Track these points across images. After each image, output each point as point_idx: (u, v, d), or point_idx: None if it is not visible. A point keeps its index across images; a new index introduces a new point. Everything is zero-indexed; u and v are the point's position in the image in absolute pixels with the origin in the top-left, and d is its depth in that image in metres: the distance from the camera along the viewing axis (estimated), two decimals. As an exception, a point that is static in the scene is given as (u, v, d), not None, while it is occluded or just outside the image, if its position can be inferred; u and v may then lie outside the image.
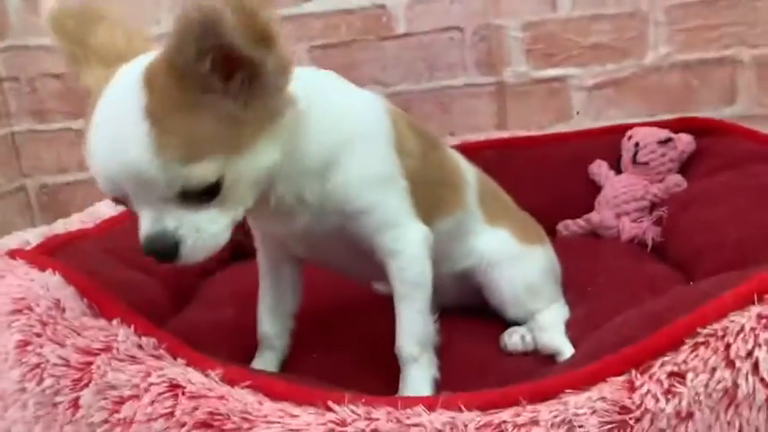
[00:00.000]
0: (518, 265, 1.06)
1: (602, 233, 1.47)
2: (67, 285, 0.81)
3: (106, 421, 0.71)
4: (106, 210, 1.41)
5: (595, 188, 1.56)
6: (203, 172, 0.70)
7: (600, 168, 1.55)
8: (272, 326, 1.02)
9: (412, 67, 1.79)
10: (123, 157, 0.68)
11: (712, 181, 1.31)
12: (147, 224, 0.73)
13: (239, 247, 1.60)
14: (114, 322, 0.78)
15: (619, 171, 1.53)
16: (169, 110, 0.68)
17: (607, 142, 1.59)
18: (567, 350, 0.98)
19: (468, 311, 1.12)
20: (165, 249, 0.74)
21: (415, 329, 0.90)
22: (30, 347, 0.75)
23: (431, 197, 0.96)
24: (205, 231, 0.74)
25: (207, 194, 0.72)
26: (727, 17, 1.70)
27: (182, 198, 0.71)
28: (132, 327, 0.77)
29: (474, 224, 1.07)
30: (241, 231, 1.58)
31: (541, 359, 1.01)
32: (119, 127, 0.69)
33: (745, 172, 1.26)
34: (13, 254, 0.90)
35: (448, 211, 1.01)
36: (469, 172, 1.10)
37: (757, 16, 1.68)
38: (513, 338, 1.05)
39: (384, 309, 1.15)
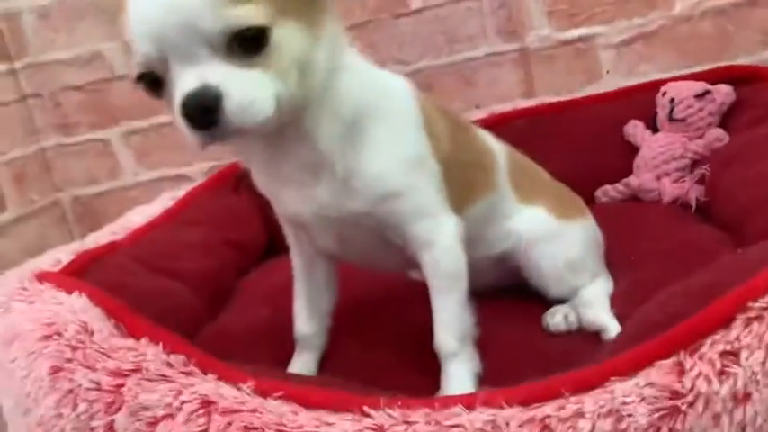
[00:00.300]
0: (557, 241, 1.02)
1: (642, 197, 1.41)
2: (94, 307, 0.80)
3: (142, 442, 0.70)
4: (137, 218, 1.42)
5: (632, 150, 1.49)
6: (252, 12, 0.67)
7: (635, 129, 1.48)
8: (309, 325, 1.00)
9: (430, 42, 1.74)
10: (170, 1, 0.65)
11: (756, 133, 1.23)
12: (187, 82, 0.68)
13: (274, 240, 1.62)
14: (143, 341, 0.76)
15: (655, 130, 1.46)
16: None
17: (641, 100, 1.52)
18: (612, 327, 0.94)
19: (508, 293, 1.08)
20: (208, 103, 0.67)
21: (453, 324, 0.87)
22: (62, 373, 0.75)
23: (462, 181, 0.93)
24: (252, 90, 0.69)
25: (253, 45, 0.69)
26: (759, -45, 1.59)
27: (228, 50, 0.68)
28: (161, 344, 0.76)
29: (508, 205, 1.03)
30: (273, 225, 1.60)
31: (586, 338, 0.97)
32: None
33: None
34: (40, 277, 0.90)
35: (480, 194, 0.98)
36: (499, 150, 1.05)
37: (793, -50, 1.58)
38: (556, 318, 1.02)
39: (422, 299, 1.14)
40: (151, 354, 0.74)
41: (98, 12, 1.78)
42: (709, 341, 0.62)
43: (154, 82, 0.71)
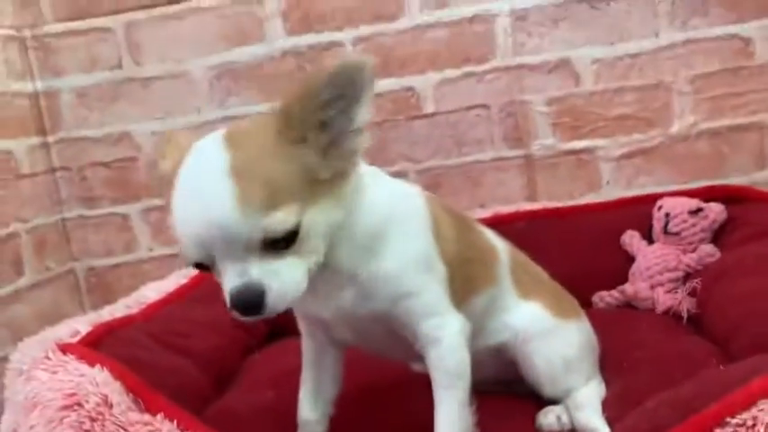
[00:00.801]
0: (553, 339, 1.07)
1: (637, 305, 1.46)
2: (114, 381, 0.85)
3: None
4: (151, 294, 1.48)
5: (628, 258, 1.56)
6: (283, 218, 0.74)
7: (632, 239, 1.56)
8: (313, 412, 1.04)
9: (441, 143, 1.84)
10: (209, 215, 0.73)
11: (746, 250, 1.30)
12: (232, 278, 0.76)
13: (276, 327, 1.67)
14: (158, 417, 0.81)
15: (650, 241, 1.54)
16: (252, 162, 0.75)
17: (637, 212, 1.61)
18: (602, 430, 0.98)
19: (503, 392, 1.12)
20: (252, 299, 0.75)
21: (453, 422, 0.91)
22: (80, 443, 0.79)
23: (465, 275, 0.98)
24: (287, 278, 0.76)
25: (285, 242, 0.76)
26: (752, 84, 1.72)
27: (263, 248, 0.75)
28: (175, 422, 0.80)
29: (507, 299, 1.08)
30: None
31: (578, 440, 1.01)
32: (202, 187, 0.75)
33: (776, 242, 1.26)
34: (64, 348, 0.95)
35: (481, 287, 1.03)
36: (500, 247, 1.12)
37: (781, 82, 1.70)
38: (549, 418, 1.05)
39: (424, 393, 1.18)
40: (166, 430, 0.79)
41: (127, 93, 1.92)
42: (689, 453, 0.67)
43: (203, 267, 0.79)
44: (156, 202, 1.96)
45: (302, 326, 1.05)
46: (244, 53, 1.87)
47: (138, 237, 1.99)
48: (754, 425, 0.66)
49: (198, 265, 0.80)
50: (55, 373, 0.90)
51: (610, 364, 1.17)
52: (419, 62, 1.82)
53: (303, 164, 0.77)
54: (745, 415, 0.66)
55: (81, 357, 0.92)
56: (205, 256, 0.76)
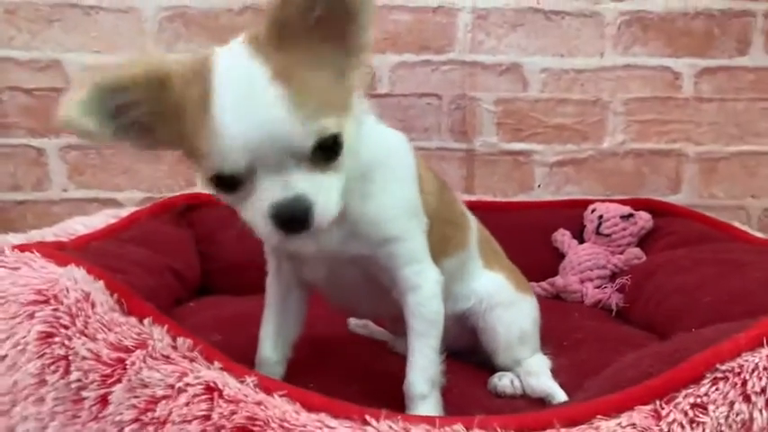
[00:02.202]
0: (513, 310, 1.11)
1: (566, 297, 1.55)
2: (96, 280, 0.78)
3: (137, 420, 0.68)
4: (79, 227, 1.37)
5: (557, 255, 1.65)
6: (332, 124, 0.72)
7: (563, 237, 1.65)
8: (275, 351, 1.00)
9: (390, 125, 1.85)
10: (264, 120, 0.69)
11: (673, 254, 1.42)
12: (276, 191, 0.72)
13: (208, 280, 1.61)
14: (146, 321, 0.75)
15: (580, 241, 1.63)
16: (293, 69, 0.71)
17: (568, 214, 1.71)
18: (558, 393, 1.02)
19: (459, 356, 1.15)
20: (301, 212, 0.72)
21: (426, 367, 0.92)
22: (56, 339, 0.72)
23: (441, 235, 1.00)
24: (332, 193, 0.75)
25: (330, 154, 0.74)
26: (676, 114, 1.88)
27: (311, 159, 0.72)
28: (165, 326, 0.75)
29: (474, 266, 1.11)
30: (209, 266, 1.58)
31: (531, 402, 1.04)
32: (251, 92, 0.70)
33: (701, 248, 1.38)
34: (22, 248, 0.86)
35: (454, 250, 1.05)
36: (471, 216, 1.15)
37: (702, 117, 1.88)
38: (504, 381, 1.08)
39: (383, 347, 1.17)
40: (157, 333, 0.74)
41: (66, 19, 1.78)
42: (682, 393, 0.71)
43: (231, 183, 0.74)
44: (78, 140, 1.83)
45: (271, 263, 1.01)
46: (201, 0, 1.80)
47: (52, 175, 1.84)
48: (740, 372, 0.71)
49: (226, 182, 0.74)
50: (16, 269, 0.81)
51: (550, 343, 1.22)
52: (379, 42, 1.83)
53: (334, 65, 0.75)
54: (732, 363, 0.72)
55: (48, 256, 0.84)
56: (246, 166, 0.72)
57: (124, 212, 1.54)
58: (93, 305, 0.75)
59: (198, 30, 1.80)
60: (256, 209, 0.73)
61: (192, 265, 1.55)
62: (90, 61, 1.80)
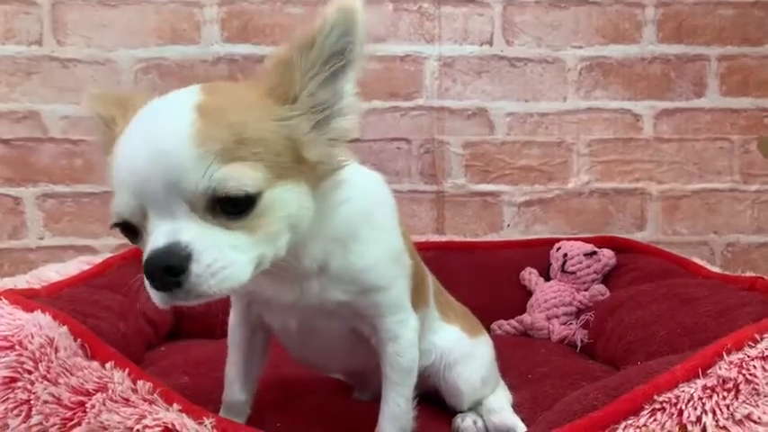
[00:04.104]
0: (472, 362, 1.09)
1: (533, 334, 1.58)
2: (60, 326, 0.81)
3: (96, 462, 0.70)
4: (52, 274, 1.39)
5: (526, 293, 1.69)
6: (242, 175, 0.63)
7: (530, 275, 1.69)
8: (242, 393, 1.01)
9: (361, 169, 1.91)
10: (157, 146, 0.62)
11: (634, 290, 1.46)
12: (157, 237, 0.63)
13: (179, 325, 1.63)
14: (108, 365, 0.78)
15: (547, 279, 1.67)
16: (226, 105, 0.66)
17: (536, 252, 1.75)
18: (519, 427, 1.04)
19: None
20: (173, 263, 0.61)
21: (399, 416, 0.92)
22: (18, 383, 0.74)
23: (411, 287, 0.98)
24: (226, 255, 0.64)
25: (237, 209, 0.64)
26: (638, 154, 1.95)
27: (208, 208, 0.63)
28: (126, 370, 0.77)
29: (433, 320, 1.10)
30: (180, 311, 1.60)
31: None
32: (156, 120, 0.65)
33: (661, 284, 1.43)
34: (-6, 295, 0.89)
35: (418, 305, 1.02)
36: (427, 270, 1.13)
37: (662, 157, 1.95)
38: (466, 421, 1.09)
39: (349, 388, 1.19)
40: (118, 377, 0.76)
41: (44, 71, 1.83)
42: (623, 425, 0.75)
43: (130, 229, 0.68)
44: (56, 188, 1.87)
45: (236, 305, 1.00)
46: (176, 51, 1.86)
47: (29, 223, 1.87)
48: (676, 402, 0.75)
49: (125, 229, 0.68)
50: (-17, 316, 0.84)
51: (515, 376, 1.25)
52: (349, 89, 1.89)
53: (288, 128, 0.68)
54: (669, 394, 0.76)
55: (16, 303, 0.86)
56: (137, 208, 0.64)
57: (98, 259, 1.57)
58: (56, 350, 0.77)
59: (173, 80, 1.86)
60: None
61: (163, 311, 1.57)
62: (68, 112, 1.85)
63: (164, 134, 0.63)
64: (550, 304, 1.58)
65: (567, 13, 1.91)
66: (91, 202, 1.87)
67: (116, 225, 0.69)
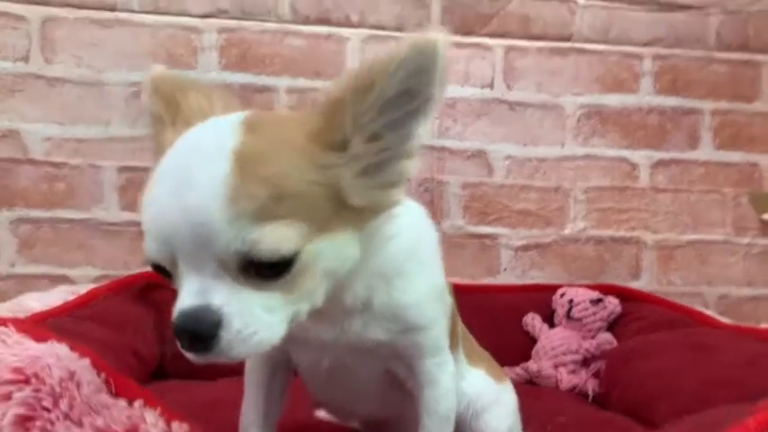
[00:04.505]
0: (498, 408, 1.03)
1: (539, 382, 1.53)
2: (80, 358, 0.72)
3: None
4: (33, 303, 1.29)
5: (528, 338, 1.64)
6: (279, 237, 0.57)
7: (533, 320, 1.64)
8: None
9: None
10: (187, 200, 0.56)
11: (647, 339, 1.43)
12: (187, 296, 0.59)
13: (164, 362, 1.52)
14: (137, 404, 0.69)
15: (551, 325, 1.63)
16: (266, 153, 0.59)
17: (537, 298, 1.71)
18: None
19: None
20: (202, 329, 0.58)
21: None
22: (36, 422, 0.65)
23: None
24: (258, 319, 0.60)
25: (272, 271, 0.59)
26: (634, 203, 1.95)
27: (241, 270, 0.59)
28: (158, 409, 0.69)
29: (461, 364, 1.03)
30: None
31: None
32: (190, 165, 0.58)
33: (674, 333, 1.40)
34: (3, 321, 0.79)
35: (450, 346, 0.94)
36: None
37: (658, 207, 1.95)
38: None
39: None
40: (150, 418, 0.67)
41: (29, 89, 1.73)
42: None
43: (162, 270, 0.63)
44: (32, 213, 1.75)
45: None
46: (171, 76, 1.79)
47: (1, 248, 1.74)
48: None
49: (157, 268, 0.63)
50: (-12, 345, 0.74)
51: (535, 427, 1.19)
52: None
53: (332, 177, 0.61)
54: (746, 447, 0.71)
55: (23, 331, 0.77)
56: (167, 256, 0.60)
57: (82, 289, 1.46)
58: (78, 385, 0.68)
59: (167, 105, 1.79)
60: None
61: (150, 346, 1.46)
62: (51, 133, 1.75)
63: (196, 187, 0.57)
64: (558, 352, 1.53)
65: (568, 61, 1.92)
66: (70, 228, 1.76)
67: (151, 264, 0.63)
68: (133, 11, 1.77)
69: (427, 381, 0.85)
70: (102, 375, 0.71)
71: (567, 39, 1.92)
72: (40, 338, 0.76)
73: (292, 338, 0.84)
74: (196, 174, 0.57)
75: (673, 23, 1.93)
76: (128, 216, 1.77)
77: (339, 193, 0.62)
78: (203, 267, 0.59)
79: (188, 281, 0.60)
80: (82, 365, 0.71)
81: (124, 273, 1.65)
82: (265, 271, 0.59)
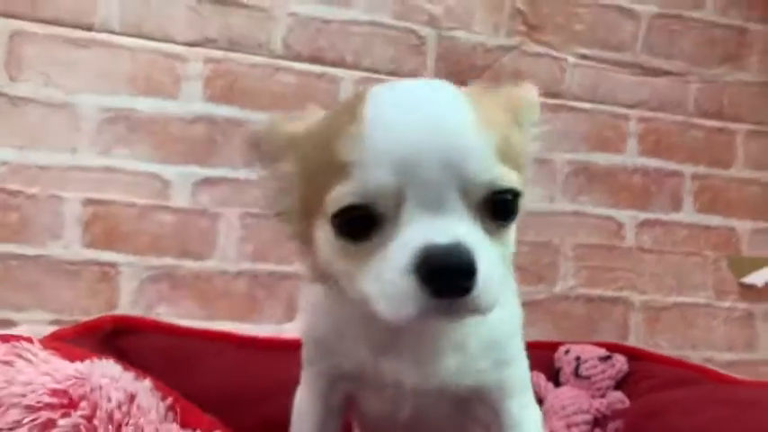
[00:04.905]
0: None
1: (552, 444, 1.42)
2: (141, 379, 0.56)
3: None
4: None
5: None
6: (514, 178, 0.59)
7: (538, 379, 1.54)
8: None
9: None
10: (440, 122, 0.56)
11: (661, 396, 1.36)
12: (433, 232, 0.54)
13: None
14: (210, 436, 0.54)
15: (556, 384, 1.54)
16: (492, 105, 0.63)
17: (537, 355, 1.61)
18: None
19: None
20: (464, 264, 0.53)
21: None
22: (92, 459, 0.49)
23: None
24: (495, 264, 0.57)
25: (504, 215, 0.60)
26: (621, 263, 1.92)
27: (480, 209, 0.58)
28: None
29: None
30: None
31: None
32: (440, 97, 0.60)
33: (693, 390, 1.34)
34: (6, 338, 0.62)
35: None
36: None
37: (644, 267, 1.93)
38: None
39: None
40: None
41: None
42: None
43: (362, 221, 0.57)
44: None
45: (316, 384, 0.79)
46: (150, 105, 1.65)
47: (-65, 285, 1.50)
48: None
49: (356, 219, 0.56)
50: (8, 364, 0.57)
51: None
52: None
53: (524, 145, 0.69)
54: None
55: (54, 349, 0.60)
56: (395, 189, 0.55)
57: (46, 331, 1.25)
58: (141, 411, 0.53)
59: (142, 136, 1.64)
60: (393, 260, 0.54)
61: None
62: (8, 158, 1.55)
63: (448, 111, 0.58)
64: (569, 411, 1.43)
65: (558, 117, 1.92)
66: (20, 266, 1.54)
67: (347, 210, 0.56)
68: (113, 32, 1.64)
69: (510, 424, 0.77)
70: (168, 400, 0.55)
71: (558, 95, 1.92)
72: (71, 357, 0.60)
73: (366, 381, 0.74)
74: (444, 100, 0.59)
75: (656, 87, 1.98)
76: (90, 254, 1.58)
77: (526, 162, 0.68)
78: (443, 202, 0.55)
79: (421, 219, 0.55)
80: (143, 387, 0.55)
81: (81, 319, 1.44)
82: (500, 212, 0.59)
